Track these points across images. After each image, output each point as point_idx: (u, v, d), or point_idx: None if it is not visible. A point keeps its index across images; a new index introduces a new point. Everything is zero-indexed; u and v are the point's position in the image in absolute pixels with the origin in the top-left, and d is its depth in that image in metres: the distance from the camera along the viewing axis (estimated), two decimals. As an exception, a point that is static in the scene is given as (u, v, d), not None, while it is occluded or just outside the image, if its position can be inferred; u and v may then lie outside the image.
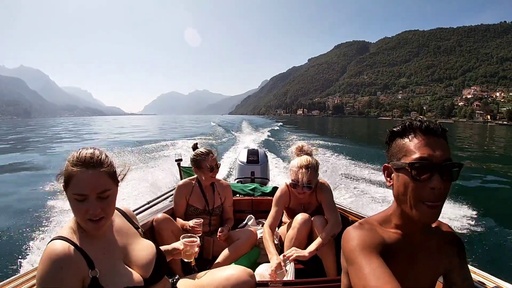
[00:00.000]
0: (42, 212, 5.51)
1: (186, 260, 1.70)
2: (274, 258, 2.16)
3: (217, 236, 2.45)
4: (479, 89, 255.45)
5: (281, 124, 52.44)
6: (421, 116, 1.01)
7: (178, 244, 1.69)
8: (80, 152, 1.15)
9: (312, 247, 2.16)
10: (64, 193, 1.14)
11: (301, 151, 2.58)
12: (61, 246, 1.07)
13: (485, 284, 1.38)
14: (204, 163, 2.58)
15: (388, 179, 1.01)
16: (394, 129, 0.99)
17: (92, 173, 1.11)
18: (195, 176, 2.74)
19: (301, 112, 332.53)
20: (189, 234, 1.75)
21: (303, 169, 2.35)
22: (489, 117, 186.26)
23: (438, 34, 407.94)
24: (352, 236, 0.96)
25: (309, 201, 2.58)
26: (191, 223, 2.35)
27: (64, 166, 1.14)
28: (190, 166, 2.81)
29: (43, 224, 4.97)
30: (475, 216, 5.70)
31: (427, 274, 1.04)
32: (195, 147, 2.83)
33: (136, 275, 1.23)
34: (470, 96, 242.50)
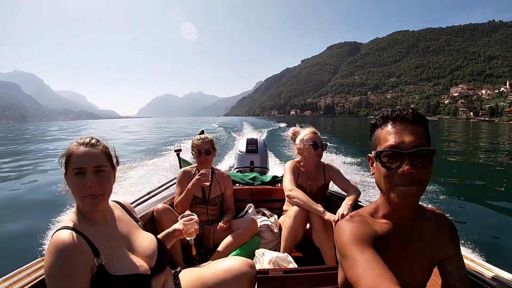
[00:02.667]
0: (47, 204, 5.69)
1: (188, 238, 1.71)
2: (328, 213, 2.28)
3: (217, 228, 2.46)
4: (466, 87, 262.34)
5: (276, 121, 53.36)
6: (398, 106, 0.99)
7: (178, 225, 1.71)
8: (80, 138, 1.26)
9: (343, 209, 2.28)
10: (65, 181, 1.21)
11: (296, 133, 2.86)
12: (66, 235, 1.10)
13: (482, 273, 1.38)
14: (194, 147, 2.64)
15: (372, 168, 1.04)
16: (372, 121, 1.02)
17: (89, 149, 1.20)
18: (196, 165, 2.76)
19: (294, 112, 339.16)
20: (187, 214, 1.77)
21: (316, 134, 2.67)
22: (472, 113, 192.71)
23: (427, 34, 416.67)
24: (343, 229, 0.97)
25: (316, 176, 2.74)
26: (197, 175, 2.42)
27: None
28: (188, 161, 2.71)
29: (48, 215, 4.91)
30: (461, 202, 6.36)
31: (423, 262, 1.05)
32: (201, 133, 2.82)
33: (143, 263, 1.27)
34: (456, 94, 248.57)
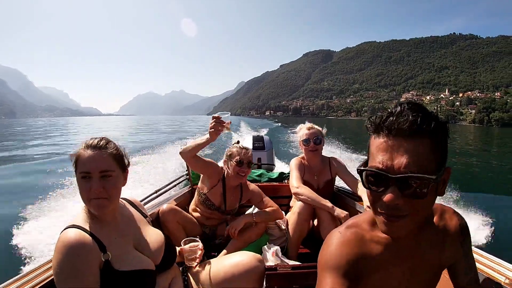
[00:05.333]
0: (55, 202, 5.31)
1: (188, 265, 1.65)
2: (337, 209, 2.31)
3: (229, 233, 2.31)
4: (415, 93, 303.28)
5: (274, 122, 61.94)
6: (403, 103, 0.74)
7: (179, 249, 1.68)
8: (89, 139, 1.24)
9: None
10: (75, 177, 1.21)
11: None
12: (74, 234, 1.10)
13: (491, 267, 1.34)
14: (236, 155, 2.42)
15: None
16: (365, 124, 0.80)
17: (95, 153, 1.19)
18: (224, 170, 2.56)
19: (268, 113, 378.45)
20: (191, 238, 1.73)
21: (311, 129, 2.68)
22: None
23: (391, 45, 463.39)
24: (329, 245, 0.88)
25: (322, 171, 2.75)
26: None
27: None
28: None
29: (55, 215, 4.69)
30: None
31: (426, 274, 0.92)
32: (237, 143, 2.66)
33: (148, 260, 1.28)
34: (403, 99, 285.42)
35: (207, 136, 2.12)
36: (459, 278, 0.99)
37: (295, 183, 2.51)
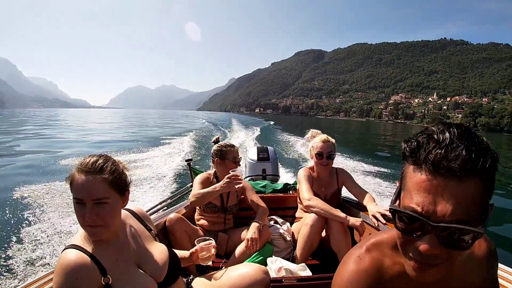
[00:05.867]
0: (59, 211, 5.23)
1: (203, 264, 1.68)
2: (351, 218, 2.29)
3: (248, 245, 2.27)
4: (404, 96, 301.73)
5: (265, 120, 62.91)
6: (450, 127, 0.61)
7: (194, 249, 1.69)
8: (85, 159, 1.17)
9: (377, 215, 2.27)
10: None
11: (316, 135, 2.81)
12: (74, 256, 1.09)
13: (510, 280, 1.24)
14: (230, 154, 2.61)
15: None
16: (403, 149, 0.67)
17: (88, 179, 1.12)
18: (212, 172, 2.73)
19: (258, 110, 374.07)
20: (204, 237, 1.73)
21: (326, 143, 2.62)
22: (392, 117, 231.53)
23: (382, 48, 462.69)
24: (343, 272, 0.83)
25: (330, 182, 2.74)
26: (226, 178, 2.35)
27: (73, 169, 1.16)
28: (200, 169, 2.84)
29: (58, 225, 4.69)
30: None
31: None
32: (216, 141, 2.82)
33: (150, 280, 1.24)
34: (392, 101, 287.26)
35: (219, 188, 2.30)
36: None
37: (306, 195, 2.48)
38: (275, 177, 4.64)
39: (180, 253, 1.67)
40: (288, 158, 11.97)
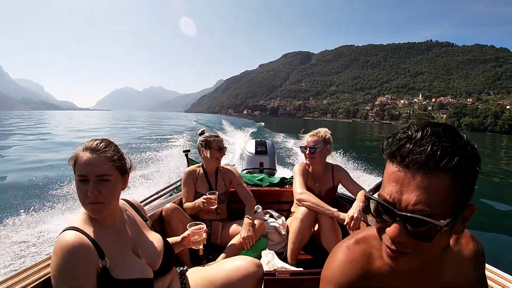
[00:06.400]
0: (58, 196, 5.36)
1: (194, 248, 1.71)
2: (341, 213, 2.27)
3: (245, 242, 2.31)
4: (390, 97, 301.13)
5: (255, 121, 63.29)
6: (429, 126, 0.64)
7: (186, 234, 1.72)
8: (89, 141, 1.22)
9: (354, 211, 2.21)
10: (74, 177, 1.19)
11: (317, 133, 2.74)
12: (73, 237, 1.09)
13: (502, 284, 1.27)
14: (214, 143, 2.67)
15: None
16: (385, 143, 0.69)
17: (93, 156, 1.17)
18: (200, 164, 2.80)
19: (246, 112, 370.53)
20: (196, 222, 1.78)
21: (312, 137, 2.65)
22: (378, 118, 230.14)
23: (369, 49, 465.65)
24: (332, 262, 0.85)
25: (325, 178, 2.73)
26: (202, 199, 2.39)
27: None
28: (196, 161, 2.88)
29: (56, 210, 4.78)
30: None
31: None
32: (202, 133, 2.88)
33: (146, 267, 1.27)
34: (378, 102, 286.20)
35: (197, 205, 2.42)
36: None
37: (298, 189, 2.49)
38: (272, 171, 4.66)
39: (173, 238, 1.72)
40: (284, 156, 12.21)
